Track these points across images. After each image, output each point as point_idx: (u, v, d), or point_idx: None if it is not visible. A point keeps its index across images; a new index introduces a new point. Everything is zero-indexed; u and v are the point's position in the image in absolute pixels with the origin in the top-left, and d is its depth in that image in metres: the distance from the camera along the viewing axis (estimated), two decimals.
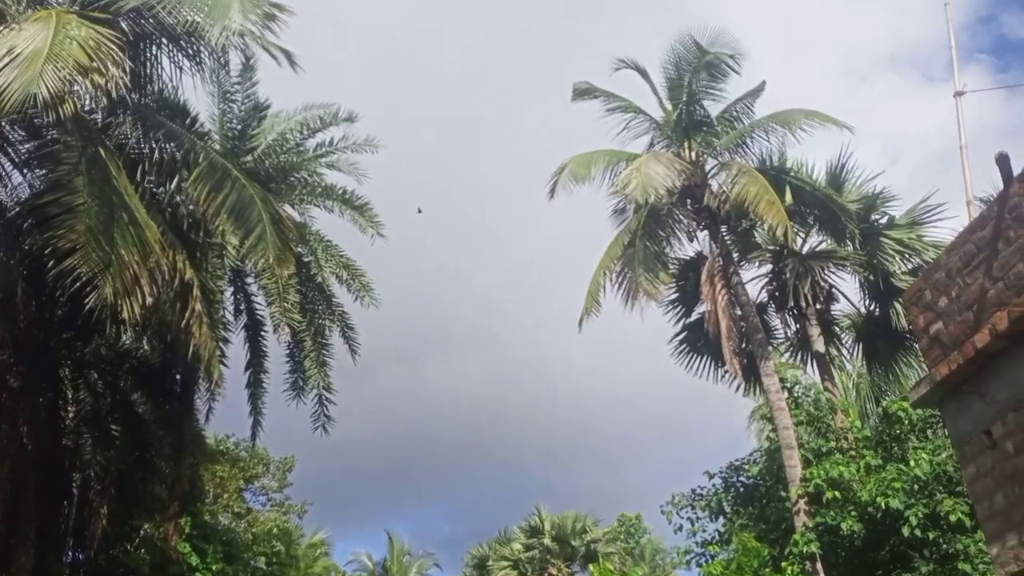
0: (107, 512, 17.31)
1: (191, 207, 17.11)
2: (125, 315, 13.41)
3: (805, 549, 15.70)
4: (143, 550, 18.95)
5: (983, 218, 5.94)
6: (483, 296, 73.72)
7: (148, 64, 15.17)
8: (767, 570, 16.10)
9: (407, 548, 39.27)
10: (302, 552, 28.95)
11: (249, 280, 20.74)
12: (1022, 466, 5.25)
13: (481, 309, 75.16)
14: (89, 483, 17.90)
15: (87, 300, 13.04)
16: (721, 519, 18.66)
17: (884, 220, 19.44)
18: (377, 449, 68.92)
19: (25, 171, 15.35)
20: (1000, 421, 5.46)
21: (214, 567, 17.91)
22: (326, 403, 21.03)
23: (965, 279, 5.98)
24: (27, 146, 14.93)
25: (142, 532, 19.48)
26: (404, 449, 71.90)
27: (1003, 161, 6.01)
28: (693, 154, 19.58)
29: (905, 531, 14.91)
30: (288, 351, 21.00)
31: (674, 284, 20.42)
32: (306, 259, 20.49)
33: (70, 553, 18.88)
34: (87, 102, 14.14)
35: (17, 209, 15.77)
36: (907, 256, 18.99)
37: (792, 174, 19.41)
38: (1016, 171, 5.78)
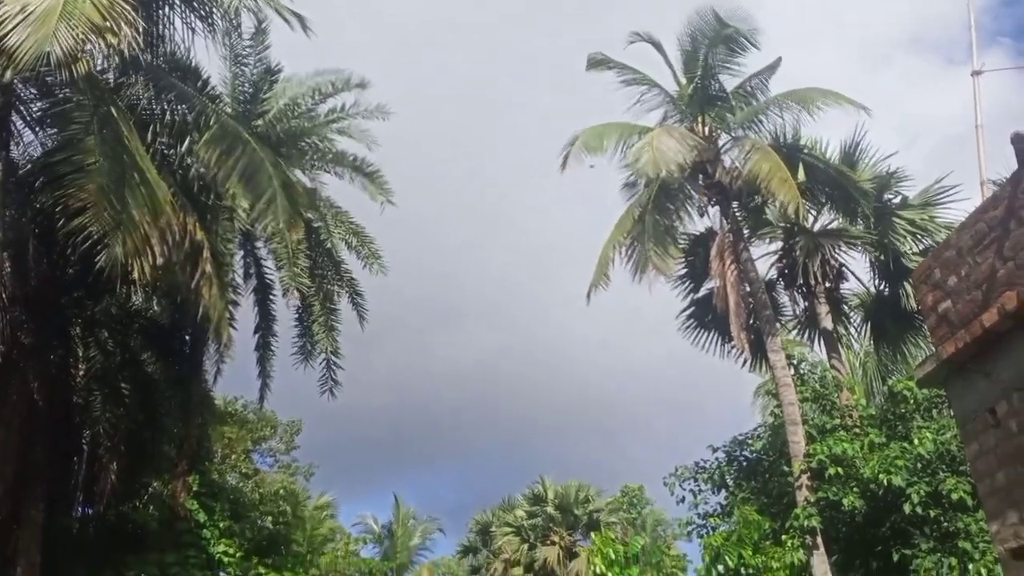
0: (116, 469, 17.51)
1: (202, 169, 17.12)
2: (136, 275, 13.50)
3: (806, 523, 15.83)
4: (151, 507, 19.22)
5: (996, 198, 5.91)
6: (495, 271, 73.95)
7: (160, 24, 15.13)
8: (767, 543, 16.25)
9: (412, 512, 39.69)
10: (308, 513, 29.32)
11: (259, 244, 20.81)
12: None
13: (493, 284, 75.40)
14: (99, 440, 18.10)
15: (98, 259, 13.12)
16: (723, 492, 18.80)
17: (897, 200, 19.33)
18: (385, 418, 69.53)
19: (37, 129, 15.40)
20: (1005, 400, 5.47)
21: (221, 524, 18.14)
22: (334, 368, 21.17)
23: (975, 258, 5.95)
24: (39, 104, 14.95)
25: (150, 489, 19.74)
26: (411, 419, 72.48)
27: (1018, 141, 5.95)
28: (706, 129, 19.43)
29: (906, 508, 15.01)
30: (297, 315, 21.15)
31: (683, 259, 20.38)
32: (316, 224, 20.51)
33: (79, 508, 19.14)
34: (100, 61, 14.11)
35: (29, 167, 15.82)
36: (919, 237, 18.88)
37: (806, 151, 19.27)
38: None
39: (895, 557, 15.40)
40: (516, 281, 74.86)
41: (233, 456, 26.94)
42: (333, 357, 21.16)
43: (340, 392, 21.25)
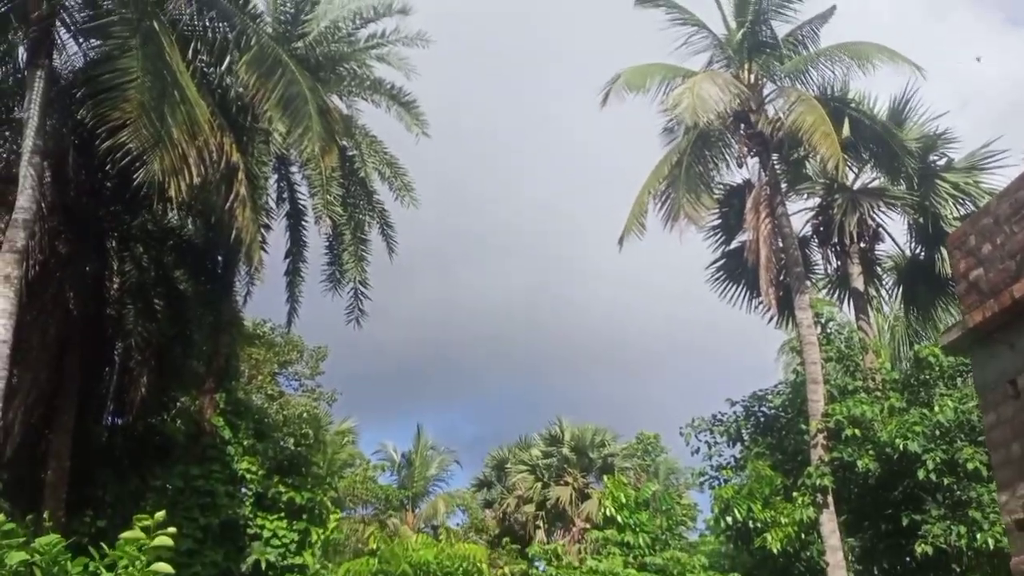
0: (146, 382, 17.94)
1: (240, 90, 17.09)
2: (172, 193, 13.63)
3: (818, 482, 15.93)
4: (179, 421, 19.74)
5: None
6: (530, 205, 73.38)
7: None
8: (778, 498, 16.39)
9: (431, 443, 40.40)
10: (329, 438, 29.95)
11: (293, 169, 20.84)
12: None
13: (527, 218, 74.97)
14: (130, 352, 18.54)
15: (136, 175, 13.26)
16: (738, 446, 18.96)
17: (942, 162, 18.88)
18: (409, 350, 70.28)
19: (81, 40, 15.39)
20: None
21: (245, 442, 18.58)
22: (361, 297, 21.34)
23: (1012, 227, 5.81)
24: (83, 15, 14.93)
25: (179, 404, 20.24)
26: (436, 352, 73.22)
27: None
28: (752, 76, 19.01)
29: (920, 474, 15.04)
30: (328, 243, 21.23)
31: (717, 210, 20.17)
32: (350, 152, 20.46)
33: (109, 418, 19.69)
34: None
35: (71, 78, 15.90)
36: (961, 201, 18.49)
37: (853, 106, 18.82)
38: None
39: (904, 521, 15.50)
40: (551, 217, 74.40)
41: (259, 377, 27.53)
42: (361, 287, 21.30)
43: (367, 323, 21.44)
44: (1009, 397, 5.54)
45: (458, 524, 37.32)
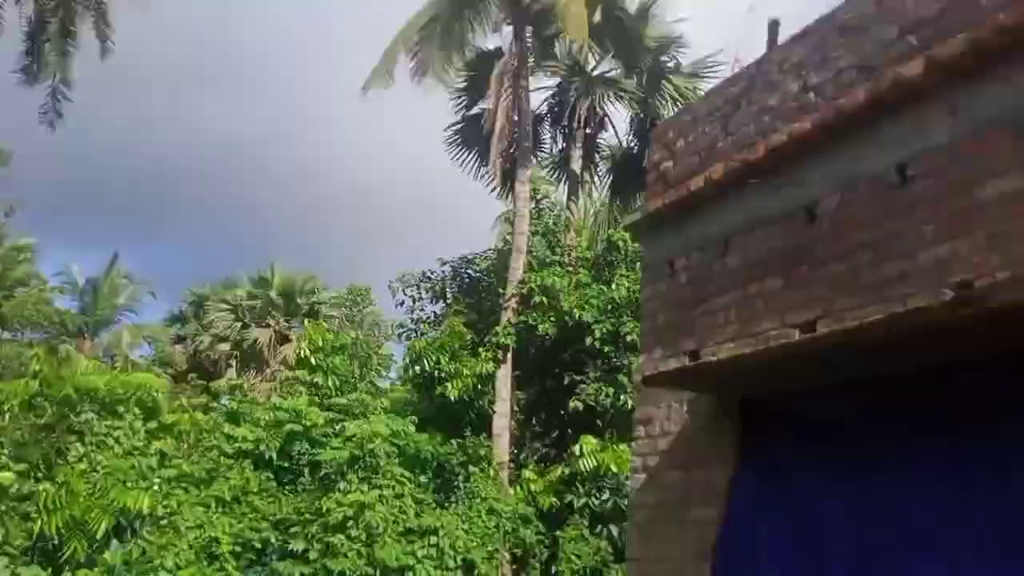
0: None
1: None
2: None
3: (502, 340, 17.30)
4: None
5: (736, 77, 6.23)
6: (286, 34, 67.67)
7: None
8: (465, 353, 17.49)
9: (124, 272, 37.21)
10: (2, 253, 26.57)
11: None
12: (687, 296, 5.92)
13: (280, 48, 69.26)
14: None
15: None
16: (441, 303, 19.79)
17: (672, 64, 20.12)
18: (124, 175, 63.06)
19: None
20: (684, 256, 6.04)
21: None
22: (59, 98, 18.82)
23: (705, 128, 6.32)
24: None
25: None
26: (154, 180, 66.04)
27: (773, 27, 6.26)
28: None
29: (588, 341, 16.84)
30: (28, 29, 18.31)
31: (466, 73, 20.14)
32: None
33: None
34: None
35: None
36: (679, 103, 19.87)
37: None
38: (782, 41, 6.00)
39: (566, 380, 17.37)
40: (309, 51, 69.32)
41: None
42: (62, 86, 18.77)
43: (76, 139, 19.32)
44: (666, 275, 6.20)
45: (142, 356, 35.32)
